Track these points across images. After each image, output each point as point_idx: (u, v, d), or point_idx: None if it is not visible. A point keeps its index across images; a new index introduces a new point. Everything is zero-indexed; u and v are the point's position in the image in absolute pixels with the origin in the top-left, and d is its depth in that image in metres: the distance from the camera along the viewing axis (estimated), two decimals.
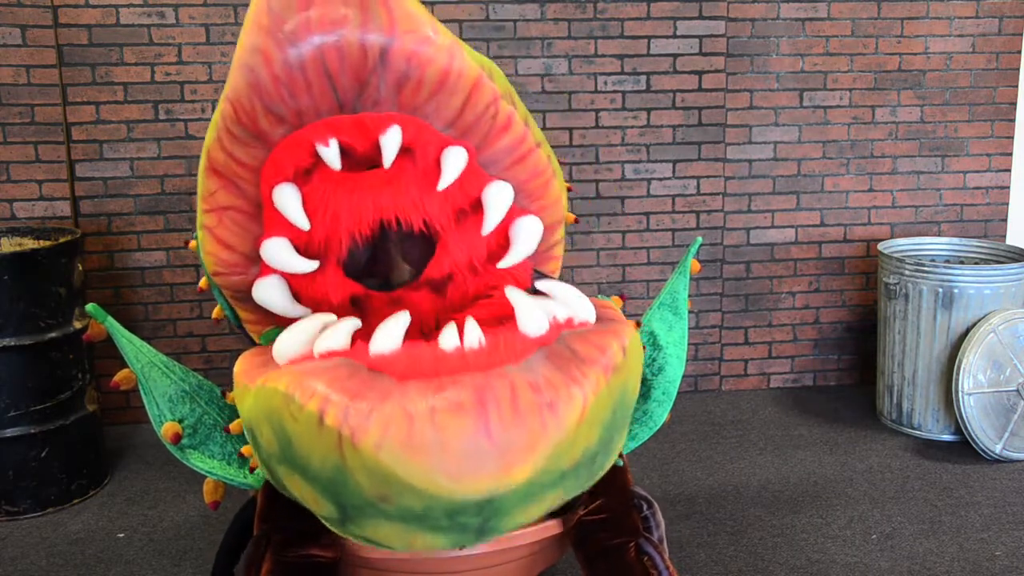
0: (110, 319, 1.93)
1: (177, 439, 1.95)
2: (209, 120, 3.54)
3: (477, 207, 1.62)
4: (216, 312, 2.04)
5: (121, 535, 2.83)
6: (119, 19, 3.46)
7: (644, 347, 2.24)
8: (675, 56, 3.72)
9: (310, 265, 1.59)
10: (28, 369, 2.89)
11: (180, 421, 1.98)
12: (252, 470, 1.98)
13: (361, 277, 1.74)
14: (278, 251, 1.56)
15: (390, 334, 1.37)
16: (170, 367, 2.00)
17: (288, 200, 1.50)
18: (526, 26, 3.64)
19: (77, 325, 2.99)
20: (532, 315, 1.42)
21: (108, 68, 3.48)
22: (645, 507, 2.00)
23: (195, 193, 3.55)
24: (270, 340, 1.61)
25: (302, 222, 1.52)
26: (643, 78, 3.72)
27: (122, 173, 3.56)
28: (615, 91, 3.72)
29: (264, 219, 1.55)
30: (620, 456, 2.07)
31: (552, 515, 1.95)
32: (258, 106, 1.36)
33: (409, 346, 1.36)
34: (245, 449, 1.83)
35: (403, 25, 1.31)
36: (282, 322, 1.64)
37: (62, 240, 2.99)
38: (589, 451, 1.33)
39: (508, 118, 1.50)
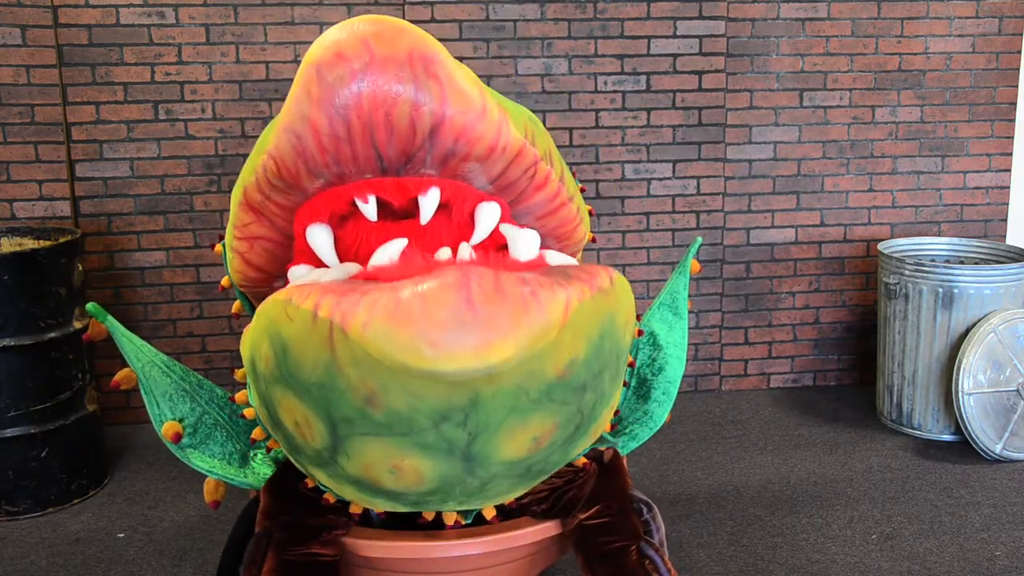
0: (110, 318, 1.93)
1: (177, 438, 1.95)
2: (209, 119, 3.55)
3: (505, 249, 1.67)
4: (235, 307, 2.07)
5: (121, 535, 2.83)
6: (119, 19, 3.45)
7: (642, 331, 2.26)
8: (675, 56, 3.72)
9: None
10: (28, 369, 2.89)
11: (180, 420, 1.98)
12: (253, 442, 1.97)
13: None
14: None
15: (388, 250, 1.43)
16: (170, 366, 2.01)
17: (321, 240, 1.54)
18: (526, 26, 3.64)
19: (77, 325, 2.99)
20: (525, 241, 1.52)
21: (108, 68, 3.48)
22: (645, 511, 2.00)
23: (195, 193, 3.58)
24: None
25: (333, 262, 1.55)
26: (643, 78, 3.72)
27: (122, 173, 3.56)
28: (615, 91, 3.72)
29: (295, 249, 1.60)
30: (620, 457, 2.08)
31: (551, 516, 1.95)
32: (302, 168, 1.38)
33: (404, 257, 1.42)
34: (247, 412, 1.83)
35: (456, 104, 1.31)
36: None
37: (62, 240, 2.98)
38: (576, 369, 1.33)
39: (545, 177, 1.56)
